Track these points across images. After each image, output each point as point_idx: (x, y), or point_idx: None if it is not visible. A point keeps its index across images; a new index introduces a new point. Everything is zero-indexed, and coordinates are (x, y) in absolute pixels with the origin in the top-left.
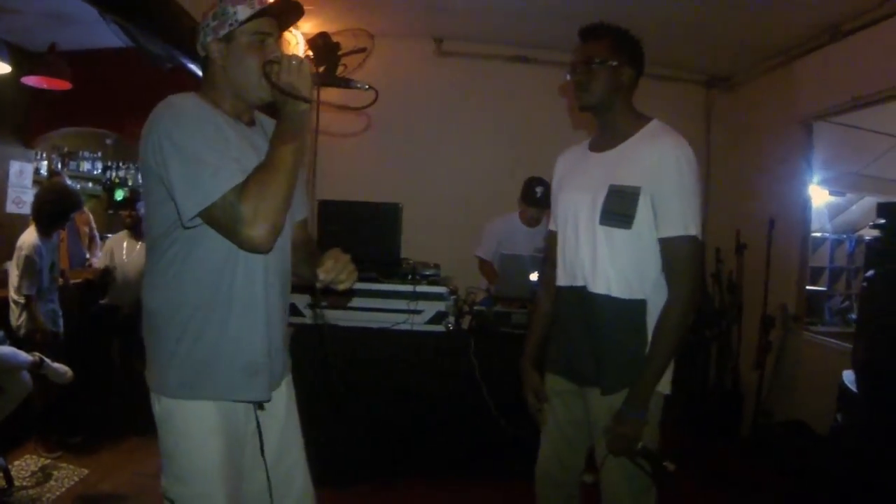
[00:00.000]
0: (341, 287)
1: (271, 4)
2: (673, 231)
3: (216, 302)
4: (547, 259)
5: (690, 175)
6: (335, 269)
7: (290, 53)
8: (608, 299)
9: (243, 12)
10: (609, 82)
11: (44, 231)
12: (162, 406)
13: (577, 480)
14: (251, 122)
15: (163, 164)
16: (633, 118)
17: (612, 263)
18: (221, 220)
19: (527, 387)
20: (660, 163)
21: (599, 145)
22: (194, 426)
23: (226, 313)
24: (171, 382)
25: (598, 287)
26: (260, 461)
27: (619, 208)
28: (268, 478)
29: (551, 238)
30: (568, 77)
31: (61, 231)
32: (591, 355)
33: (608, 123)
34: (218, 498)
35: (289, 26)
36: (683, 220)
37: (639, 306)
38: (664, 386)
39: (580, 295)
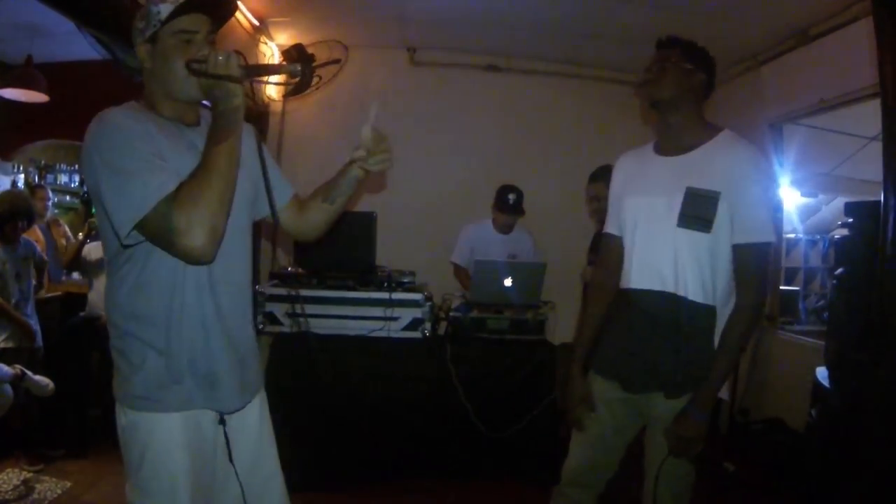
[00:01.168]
0: (375, 167)
1: (186, 1)
2: (750, 238)
3: (170, 316)
4: (602, 264)
5: (768, 183)
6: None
7: (218, 49)
8: (684, 301)
9: (165, 10)
10: (680, 82)
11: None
12: (127, 418)
13: (603, 484)
14: (196, 122)
15: (96, 181)
16: (705, 125)
17: (690, 267)
18: (156, 232)
19: (575, 395)
20: (739, 170)
21: (668, 149)
22: (158, 439)
23: (179, 327)
24: (136, 395)
25: (679, 290)
26: (231, 472)
27: (698, 212)
28: (239, 483)
29: (609, 242)
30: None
31: (37, 242)
32: (659, 359)
33: (676, 127)
34: None
35: (224, 20)
36: (762, 228)
37: (711, 311)
38: (723, 392)
39: (653, 298)
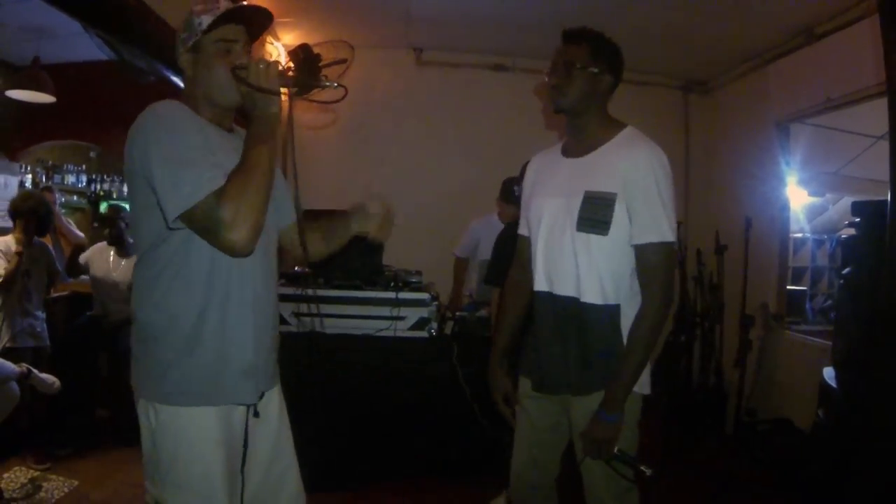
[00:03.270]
0: (382, 240)
1: (232, 10)
2: (648, 238)
3: (211, 307)
4: (517, 263)
5: (665, 181)
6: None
7: (259, 57)
8: (584, 305)
9: (207, 20)
10: (586, 87)
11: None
12: (158, 416)
13: (553, 482)
14: (231, 130)
15: (148, 167)
16: (608, 124)
17: (588, 270)
18: (202, 223)
19: (496, 391)
20: (635, 169)
21: (572, 150)
22: (194, 434)
23: (221, 318)
24: (171, 391)
25: (575, 293)
26: (252, 467)
27: (596, 215)
28: (242, 481)
29: (522, 242)
30: (546, 78)
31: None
32: (564, 361)
33: (581, 128)
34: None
35: (259, 33)
36: (659, 227)
37: (613, 311)
38: (643, 386)
39: (556, 301)
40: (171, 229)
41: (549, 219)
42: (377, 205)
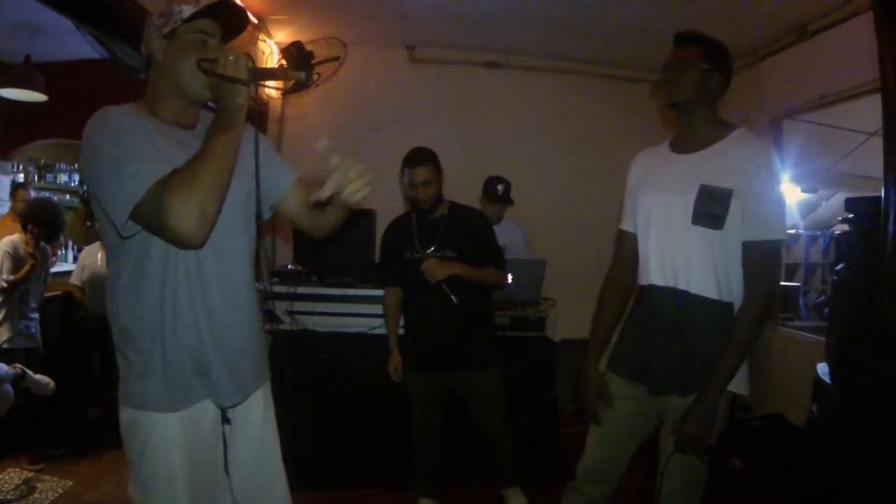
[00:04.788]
0: (354, 197)
1: (213, 4)
2: (760, 235)
3: (162, 310)
4: (616, 259)
5: (779, 182)
6: (342, 174)
7: (229, 51)
8: (702, 300)
9: (188, 10)
10: (698, 83)
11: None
12: (127, 416)
13: (618, 480)
14: (193, 125)
15: (91, 176)
16: (719, 123)
17: (704, 264)
18: (149, 216)
19: (592, 390)
20: (753, 166)
21: (684, 147)
22: (156, 437)
23: (170, 322)
24: (133, 393)
25: (693, 287)
26: (234, 473)
27: (711, 209)
28: (232, 496)
29: (624, 238)
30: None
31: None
32: (680, 357)
33: (693, 125)
34: None
35: (233, 36)
36: (773, 224)
37: (728, 309)
38: (741, 387)
39: (675, 295)
40: (122, 237)
41: (662, 213)
42: (332, 160)
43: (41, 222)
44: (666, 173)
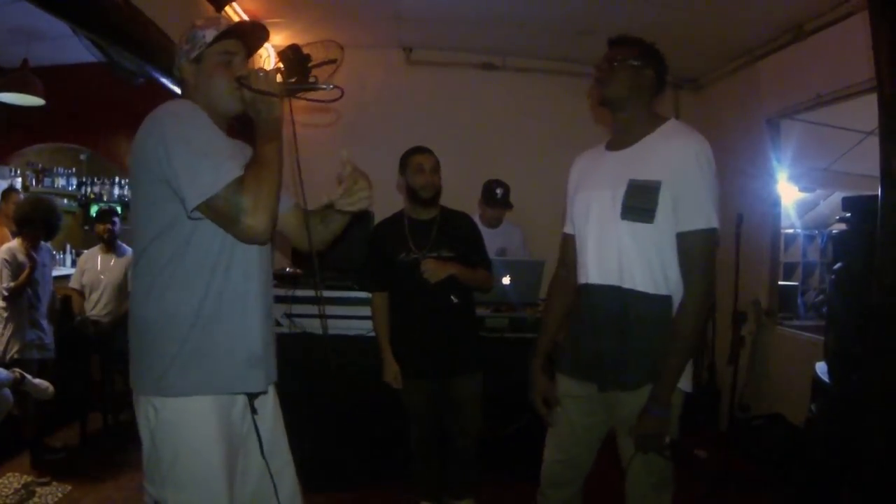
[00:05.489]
0: (353, 207)
1: (234, 25)
2: (692, 225)
3: (213, 299)
4: (561, 262)
5: (710, 170)
6: (350, 184)
7: (258, 67)
8: (637, 294)
9: (210, 35)
10: (628, 80)
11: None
12: (159, 412)
13: (582, 481)
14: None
15: (166, 159)
16: (651, 118)
17: (637, 259)
18: (223, 210)
19: (537, 391)
20: (680, 157)
21: (616, 144)
22: (196, 431)
23: (224, 309)
24: (173, 382)
25: (626, 282)
26: (251, 463)
27: (641, 203)
28: (270, 475)
29: (566, 241)
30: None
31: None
32: (620, 352)
33: (625, 122)
34: (223, 502)
35: (257, 47)
36: (704, 214)
37: (666, 302)
38: (685, 384)
39: (610, 291)
40: (191, 219)
41: (595, 211)
42: (346, 169)
43: (35, 220)
44: (599, 172)
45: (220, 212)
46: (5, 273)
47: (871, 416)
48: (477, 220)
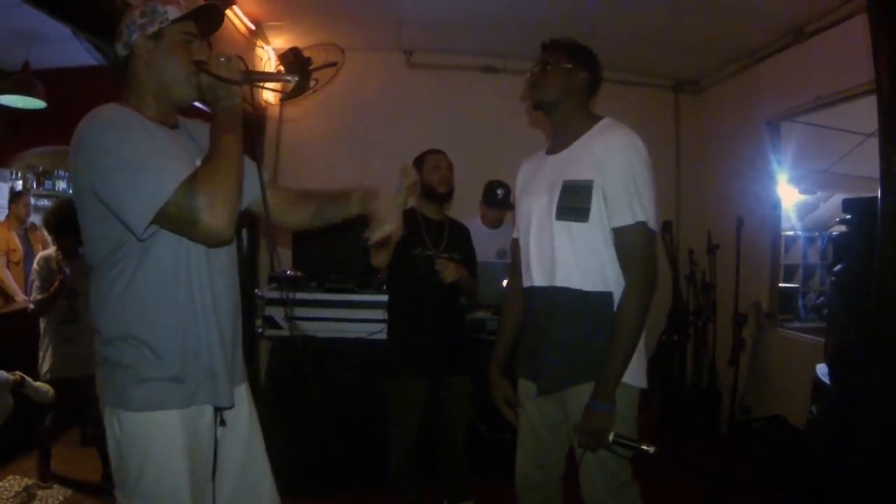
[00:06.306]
0: (377, 234)
1: (200, 8)
2: (623, 220)
3: (171, 314)
4: (513, 268)
5: (640, 164)
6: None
7: (219, 52)
8: (571, 292)
9: (173, 13)
10: (561, 83)
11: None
12: (123, 425)
13: (557, 482)
14: (175, 126)
15: (99, 178)
16: (586, 119)
17: (572, 257)
18: (178, 215)
19: (497, 394)
20: (608, 154)
21: (554, 147)
22: (159, 444)
23: (184, 325)
24: (135, 395)
25: (561, 282)
26: (222, 475)
27: (574, 202)
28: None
29: (514, 245)
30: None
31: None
32: (550, 352)
33: (561, 125)
34: None
35: (209, 34)
36: (632, 209)
37: (605, 298)
38: (638, 380)
39: (544, 292)
40: (140, 240)
41: (536, 215)
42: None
43: (68, 227)
44: (538, 176)
45: (174, 218)
46: (36, 284)
47: (871, 418)
48: (478, 220)
